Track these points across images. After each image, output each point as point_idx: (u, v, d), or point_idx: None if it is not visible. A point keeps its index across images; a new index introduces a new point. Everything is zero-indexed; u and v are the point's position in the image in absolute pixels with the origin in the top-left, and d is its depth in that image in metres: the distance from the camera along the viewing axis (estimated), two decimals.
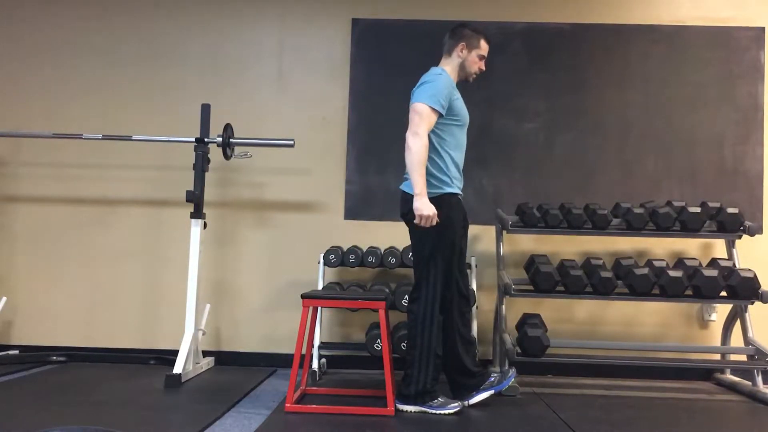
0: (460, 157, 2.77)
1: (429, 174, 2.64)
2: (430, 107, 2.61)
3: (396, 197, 2.84)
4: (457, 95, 2.74)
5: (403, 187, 2.74)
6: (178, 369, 3.07)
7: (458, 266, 2.78)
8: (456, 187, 2.73)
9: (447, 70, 2.77)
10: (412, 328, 2.69)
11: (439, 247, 2.66)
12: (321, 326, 3.44)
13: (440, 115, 2.65)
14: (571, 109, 3.73)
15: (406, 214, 2.70)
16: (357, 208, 3.71)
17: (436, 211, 2.56)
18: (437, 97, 2.62)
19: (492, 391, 2.75)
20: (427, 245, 2.66)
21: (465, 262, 2.87)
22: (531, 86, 3.75)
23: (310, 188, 3.76)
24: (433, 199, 2.60)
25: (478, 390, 2.74)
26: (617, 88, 3.73)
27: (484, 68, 2.85)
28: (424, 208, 2.55)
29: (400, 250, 3.43)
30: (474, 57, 2.79)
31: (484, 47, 2.81)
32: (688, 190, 3.65)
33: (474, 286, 3.41)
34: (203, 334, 3.46)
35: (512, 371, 2.81)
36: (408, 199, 2.67)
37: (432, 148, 2.67)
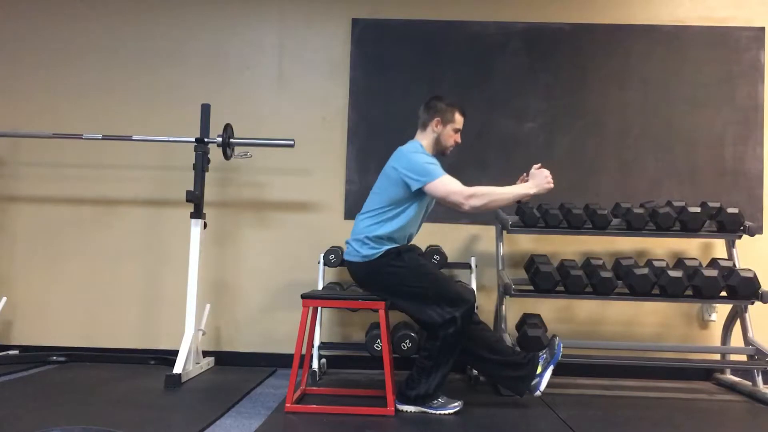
0: (411, 230, 2.76)
1: (373, 236, 2.64)
2: (444, 175, 2.62)
3: None
4: None
5: (347, 256, 2.73)
6: (178, 369, 3.07)
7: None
8: (395, 243, 2.69)
9: (423, 144, 2.76)
10: (439, 346, 2.60)
11: (424, 276, 2.65)
12: (321, 326, 3.44)
13: (419, 190, 2.63)
14: (571, 109, 3.73)
15: (363, 279, 2.72)
16: (357, 208, 3.65)
17: (546, 177, 2.64)
18: (435, 164, 2.64)
19: (552, 366, 2.68)
20: (413, 282, 2.63)
21: None
22: (531, 86, 3.75)
23: (310, 188, 3.76)
24: (375, 260, 2.62)
25: (536, 374, 2.68)
26: (617, 88, 3.73)
27: (459, 141, 2.82)
28: (538, 180, 2.64)
29: None
30: (449, 131, 2.77)
31: (459, 120, 2.78)
32: (688, 190, 3.65)
33: (474, 286, 3.41)
34: (203, 334, 3.46)
35: (557, 339, 2.73)
36: (356, 267, 2.69)
37: (391, 208, 2.66)
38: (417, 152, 2.68)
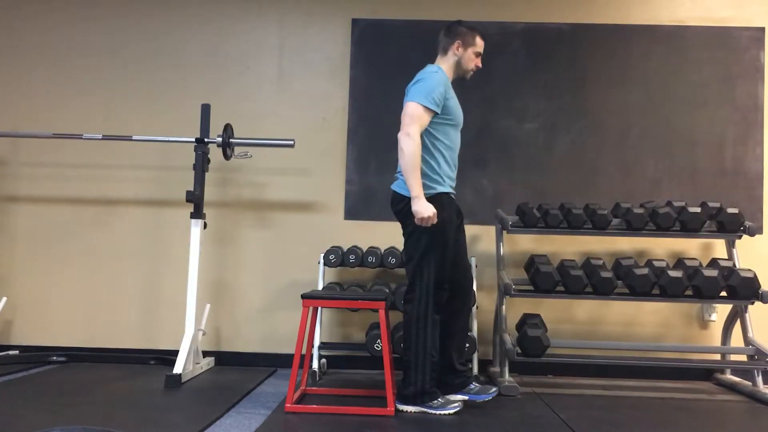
0: (453, 156, 2.76)
1: (422, 173, 2.63)
2: (423, 106, 2.60)
3: None
4: (452, 94, 2.72)
5: (395, 187, 2.74)
6: (178, 369, 3.07)
7: (458, 262, 2.78)
8: (448, 186, 2.72)
9: (443, 68, 2.76)
10: (407, 329, 2.67)
11: (432, 248, 2.64)
12: (321, 326, 3.44)
13: (434, 114, 2.63)
14: (571, 109, 3.73)
15: (399, 212, 2.71)
16: (357, 208, 3.71)
17: (435, 211, 2.55)
18: (431, 95, 2.61)
19: (466, 398, 2.75)
20: (419, 245, 2.64)
21: (466, 255, 2.87)
22: (531, 86, 3.75)
23: (310, 188, 3.76)
24: (427, 199, 2.60)
25: (455, 391, 2.76)
26: (617, 88, 3.73)
27: (480, 65, 2.83)
28: (422, 209, 2.54)
29: (400, 250, 3.42)
30: (470, 54, 2.78)
31: (479, 44, 2.80)
32: (688, 190, 3.65)
33: (474, 286, 3.40)
34: (203, 334, 3.46)
35: (494, 390, 2.79)
36: (399, 198, 2.68)
37: (425, 147, 2.65)
38: (432, 73, 2.68)
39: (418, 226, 2.59)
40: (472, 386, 2.79)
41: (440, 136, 2.69)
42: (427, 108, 2.60)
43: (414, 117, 2.59)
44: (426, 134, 2.66)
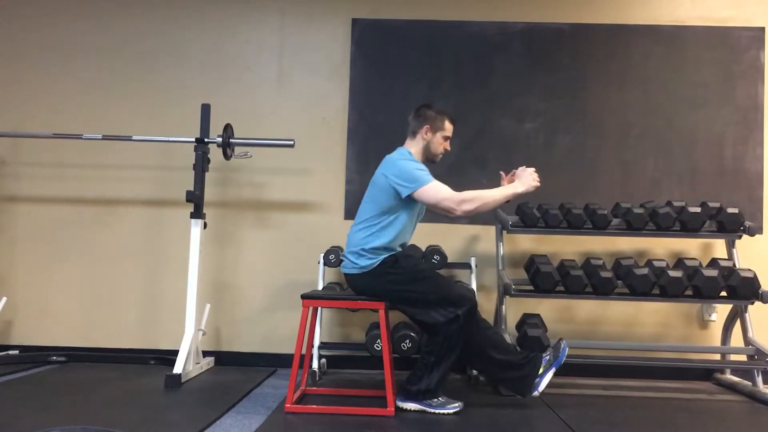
0: (406, 237, 2.77)
1: (369, 248, 2.64)
2: (431, 182, 2.62)
3: None
4: None
5: (344, 269, 2.75)
6: (178, 369, 3.07)
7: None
8: (391, 251, 2.70)
9: (412, 151, 2.76)
10: (440, 342, 2.61)
11: (429, 279, 2.67)
12: (321, 326, 3.44)
13: (408, 197, 2.63)
14: (571, 110, 3.73)
15: (365, 290, 2.71)
16: (357, 208, 3.68)
17: (532, 175, 2.67)
18: (424, 170, 2.64)
19: (554, 368, 2.69)
20: (422, 290, 2.64)
21: None
22: (531, 86, 3.75)
23: (310, 188, 3.76)
24: (373, 269, 2.63)
25: (537, 375, 2.68)
26: (617, 88, 3.73)
27: (449, 148, 2.83)
28: (525, 184, 2.66)
29: None
30: (439, 138, 2.77)
31: (448, 128, 2.79)
32: (688, 190, 3.65)
33: (474, 286, 3.41)
34: (203, 334, 3.46)
35: (563, 342, 2.74)
36: (355, 278, 2.69)
37: (382, 224, 2.66)
38: (405, 159, 2.69)
39: (398, 283, 2.62)
40: (545, 359, 2.71)
41: (399, 214, 2.68)
42: (432, 180, 2.62)
43: (437, 189, 2.61)
44: (388, 210, 2.66)
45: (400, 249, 2.76)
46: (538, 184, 2.70)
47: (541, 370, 2.68)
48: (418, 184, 2.61)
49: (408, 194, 2.62)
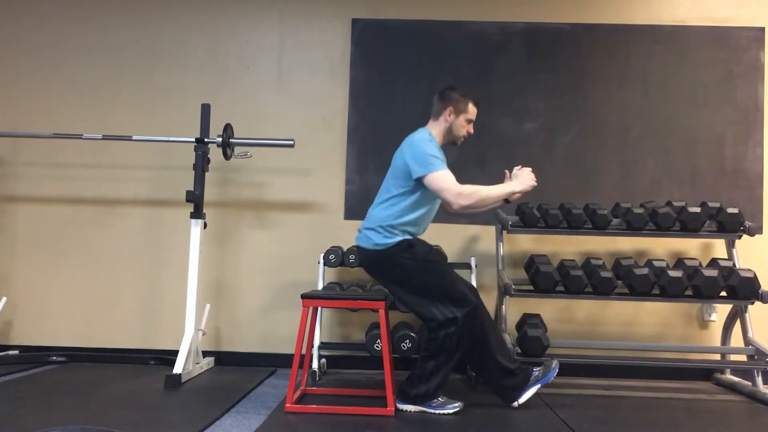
0: (425, 223, 2.77)
1: (387, 225, 2.65)
2: (442, 170, 2.61)
3: None
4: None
5: (359, 241, 2.75)
6: (178, 369, 3.07)
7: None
8: (408, 234, 2.70)
9: (434, 133, 2.76)
10: (439, 346, 2.61)
11: (435, 271, 2.66)
12: (321, 326, 3.44)
13: (419, 180, 2.63)
14: (571, 110, 3.73)
15: (372, 267, 2.73)
16: (357, 208, 3.71)
17: (529, 174, 2.71)
18: (438, 157, 2.63)
19: (539, 385, 2.73)
20: (424, 278, 2.64)
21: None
22: (531, 86, 3.75)
23: (310, 188, 3.76)
24: (386, 249, 2.63)
25: (525, 387, 2.72)
26: (617, 88, 3.73)
27: (471, 132, 2.83)
28: (524, 183, 2.68)
29: None
30: (462, 121, 2.78)
31: (472, 111, 2.80)
32: (688, 190, 3.65)
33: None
34: (203, 334, 3.46)
35: (555, 363, 2.78)
36: (368, 253, 2.69)
37: (403, 205, 2.66)
38: (425, 141, 2.68)
39: (407, 269, 2.62)
40: (534, 374, 2.75)
41: (419, 196, 2.68)
42: (442, 168, 2.61)
43: (444, 179, 2.60)
44: (408, 190, 2.66)
45: (413, 232, 2.75)
46: (535, 183, 2.72)
47: (529, 382, 2.74)
48: (428, 169, 2.60)
49: (417, 177, 2.62)
